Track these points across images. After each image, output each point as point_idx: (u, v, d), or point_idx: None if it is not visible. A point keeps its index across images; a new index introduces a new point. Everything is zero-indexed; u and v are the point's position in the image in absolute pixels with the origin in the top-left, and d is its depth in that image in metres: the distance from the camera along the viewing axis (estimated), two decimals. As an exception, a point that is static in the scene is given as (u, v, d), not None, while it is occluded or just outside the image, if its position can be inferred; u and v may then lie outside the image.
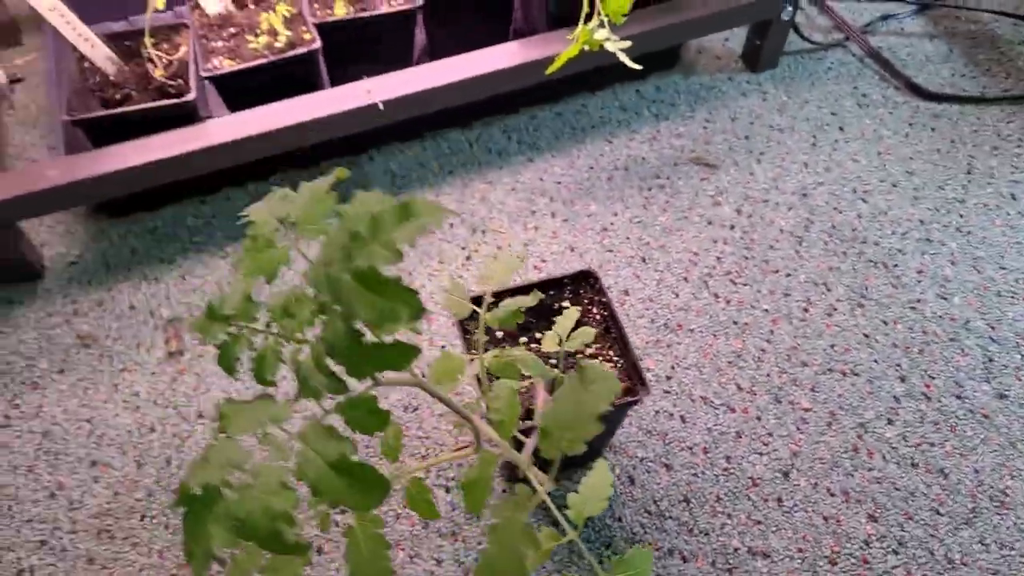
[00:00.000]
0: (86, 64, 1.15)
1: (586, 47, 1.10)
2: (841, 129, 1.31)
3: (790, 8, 1.29)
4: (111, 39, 1.15)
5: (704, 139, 1.29)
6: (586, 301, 0.90)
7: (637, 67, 1.08)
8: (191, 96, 1.07)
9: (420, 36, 1.30)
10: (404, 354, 0.42)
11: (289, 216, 0.51)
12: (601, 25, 1.08)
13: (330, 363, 0.44)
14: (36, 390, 1.03)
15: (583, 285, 0.91)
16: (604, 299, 0.89)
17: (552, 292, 0.90)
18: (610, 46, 1.07)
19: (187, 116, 1.09)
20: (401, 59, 1.27)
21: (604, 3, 1.07)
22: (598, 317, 0.89)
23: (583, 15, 1.08)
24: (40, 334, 1.08)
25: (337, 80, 1.23)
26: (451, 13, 1.24)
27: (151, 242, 1.17)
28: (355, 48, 1.20)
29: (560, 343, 0.77)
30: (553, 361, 0.85)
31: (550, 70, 1.12)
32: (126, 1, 1.32)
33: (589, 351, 0.87)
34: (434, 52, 1.31)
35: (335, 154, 1.26)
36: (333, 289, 0.41)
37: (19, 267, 1.11)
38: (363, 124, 1.14)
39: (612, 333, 0.88)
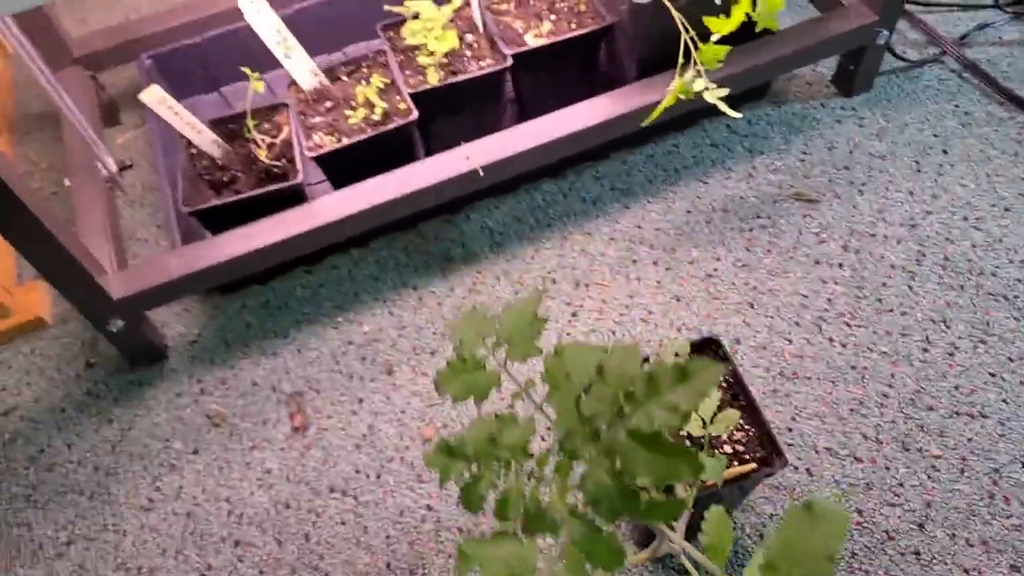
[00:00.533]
0: (193, 150, 1.19)
1: (681, 96, 1.09)
2: (945, 152, 1.27)
3: (886, 33, 1.25)
4: (214, 124, 1.19)
5: (802, 172, 1.27)
6: (712, 369, 0.90)
7: (737, 115, 1.06)
8: (299, 179, 1.10)
9: (507, 89, 1.31)
10: (673, 509, 0.43)
11: (496, 336, 0.53)
12: (698, 75, 1.07)
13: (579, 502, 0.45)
14: (174, 471, 1.08)
15: (707, 352, 0.91)
16: (730, 366, 0.89)
17: (677, 362, 0.90)
18: (709, 96, 1.06)
19: (296, 196, 1.12)
20: (491, 115, 1.28)
21: (700, 52, 1.06)
22: (724, 384, 0.89)
23: (679, 66, 1.08)
24: (171, 415, 1.13)
25: (429, 141, 1.25)
26: (537, 64, 1.24)
27: (264, 316, 1.21)
28: (447, 111, 1.21)
29: (704, 426, 0.77)
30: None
31: (647, 121, 1.12)
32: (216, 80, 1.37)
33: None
34: (521, 103, 1.32)
35: (432, 215, 1.28)
36: (604, 445, 0.42)
37: (145, 351, 1.16)
38: (463, 189, 1.15)
39: (740, 400, 0.88)
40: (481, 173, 1.12)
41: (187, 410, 1.13)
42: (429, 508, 1.00)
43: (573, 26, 1.24)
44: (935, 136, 1.29)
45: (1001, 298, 1.10)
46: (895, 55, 1.38)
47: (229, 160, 1.18)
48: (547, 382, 0.51)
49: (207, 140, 1.18)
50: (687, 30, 1.07)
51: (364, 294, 1.22)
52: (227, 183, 1.17)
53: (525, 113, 1.32)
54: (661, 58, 1.18)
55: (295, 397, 1.12)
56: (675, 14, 1.07)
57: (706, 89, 1.06)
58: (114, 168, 1.24)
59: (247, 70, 1.15)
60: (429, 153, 1.26)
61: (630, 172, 1.31)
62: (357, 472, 1.05)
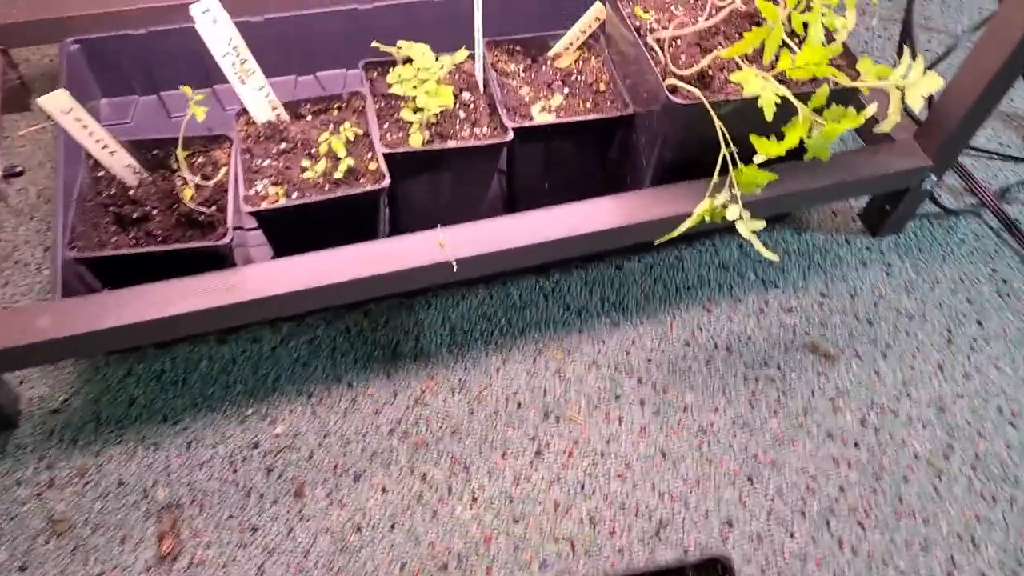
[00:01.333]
0: (100, 173, 0.95)
1: (707, 219, 0.91)
2: (980, 324, 1.11)
3: (934, 178, 1.10)
4: (136, 146, 0.95)
5: (820, 319, 1.10)
6: (714, 596, 0.70)
7: (773, 257, 0.88)
8: (227, 239, 0.86)
9: (500, 159, 1.10)
10: None
11: None
12: (732, 199, 0.89)
13: None
14: (-11, 591, 0.82)
15: (709, 572, 0.71)
16: (739, 598, 0.69)
17: (670, 578, 0.70)
18: (743, 229, 0.88)
19: (219, 259, 0.89)
20: (475, 190, 1.07)
21: (739, 172, 0.89)
22: (728, 620, 0.69)
23: (711, 184, 0.89)
24: (3, 511, 0.86)
25: (395, 207, 1.04)
26: (539, 141, 1.05)
27: (155, 391, 0.97)
28: (425, 177, 1.00)
29: None
30: None
31: (662, 240, 0.93)
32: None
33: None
34: (512, 178, 1.11)
35: (386, 296, 1.06)
36: None
37: (-11, 416, 0.90)
38: (431, 280, 0.94)
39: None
40: (455, 268, 0.91)
41: (25, 506, 0.87)
42: None
43: (588, 106, 1.05)
44: (969, 302, 1.14)
45: (1036, 518, 0.94)
46: (932, 199, 1.24)
47: (145, 193, 0.94)
48: None
49: (121, 164, 0.94)
50: (727, 144, 0.89)
51: (286, 382, 0.99)
52: (137, 220, 0.93)
53: (514, 191, 1.12)
54: (686, 164, 1.01)
55: (171, 510, 0.88)
56: (717, 123, 0.89)
57: (740, 219, 0.88)
58: (-2, 173, 0.99)
59: (187, 90, 0.92)
60: (394, 221, 1.05)
61: (624, 282, 1.12)
62: (232, 631, 0.81)
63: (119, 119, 1.18)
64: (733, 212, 0.88)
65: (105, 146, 0.92)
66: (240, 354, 1.00)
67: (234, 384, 0.98)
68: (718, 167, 0.89)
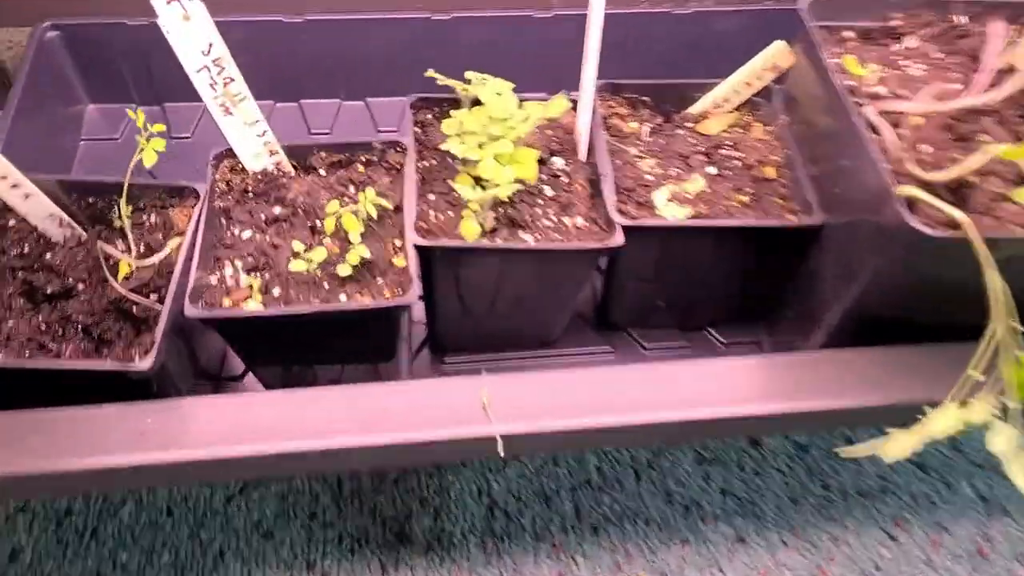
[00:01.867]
0: (11, 221, 0.65)
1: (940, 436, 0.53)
2: None
3: None
4: (71, 188, 0.66)
5: (1079, 582, 0.68)
6: None
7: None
8: (147, 363, 0.54)
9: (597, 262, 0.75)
10: None
11: None
12: (1001, 412, 0.51)
13: None
14: None
15: None
16: None
17: None
18: (1017, 471, 0.50)
19: (144, 386, 0.57)
20: (554, 310, 0.72)
21: (1019, 368, 0.50)
22: None
23: (963, 382, 0.51)
24: None
25: (434, 312, 0.70)
26: (659, 245, 0.69)
27: (50, 542, 0.66)
28: (478, 281, 0.66)
29: None
30: None
31: (850, 455, 0.55)
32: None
33: None
34: (611, 296, 0.75)
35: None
36: None
37: None
38: (466, 456, 0.60)
39: None
40: (501, 451, 0.56)
41: None
42: None
43: (745, 199, 0.68)
44: None
45: None
46: None
47: (68, 259, 0.64)
48: None
49: (41, 213, 0.65)
50: (1008, 315, 0.50)
51: (233, 559, 0.66)
52: (52, 296, 0.63)
53: (612, 302, 0.76)
54: (900, 320, 0.62)
55: None
56: (991, 277, 0.50)
57: (1016, 452, 0.49)
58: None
59: (139, 116, 0.61)
60: (430, 323, 0.72)
61: (762, 469, 0.74)
62: None
63: (107, 132, 0.90)
64: (1003, 440, 0.50)
65: (16, 186, 0.62)
66: (180, 503, 0.69)
67: (161, 550, 0.66)
68: (983, 351, 0.50)
